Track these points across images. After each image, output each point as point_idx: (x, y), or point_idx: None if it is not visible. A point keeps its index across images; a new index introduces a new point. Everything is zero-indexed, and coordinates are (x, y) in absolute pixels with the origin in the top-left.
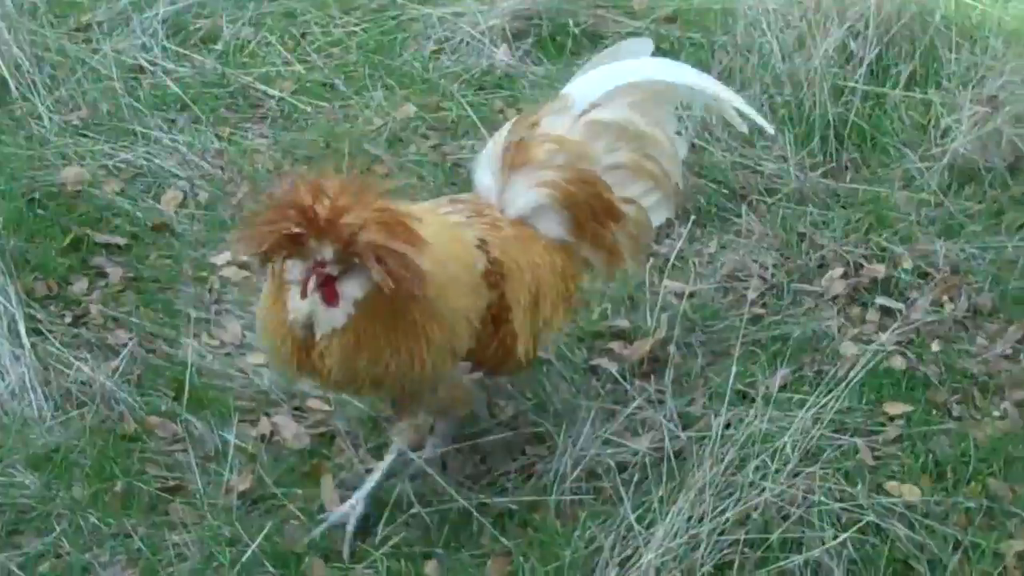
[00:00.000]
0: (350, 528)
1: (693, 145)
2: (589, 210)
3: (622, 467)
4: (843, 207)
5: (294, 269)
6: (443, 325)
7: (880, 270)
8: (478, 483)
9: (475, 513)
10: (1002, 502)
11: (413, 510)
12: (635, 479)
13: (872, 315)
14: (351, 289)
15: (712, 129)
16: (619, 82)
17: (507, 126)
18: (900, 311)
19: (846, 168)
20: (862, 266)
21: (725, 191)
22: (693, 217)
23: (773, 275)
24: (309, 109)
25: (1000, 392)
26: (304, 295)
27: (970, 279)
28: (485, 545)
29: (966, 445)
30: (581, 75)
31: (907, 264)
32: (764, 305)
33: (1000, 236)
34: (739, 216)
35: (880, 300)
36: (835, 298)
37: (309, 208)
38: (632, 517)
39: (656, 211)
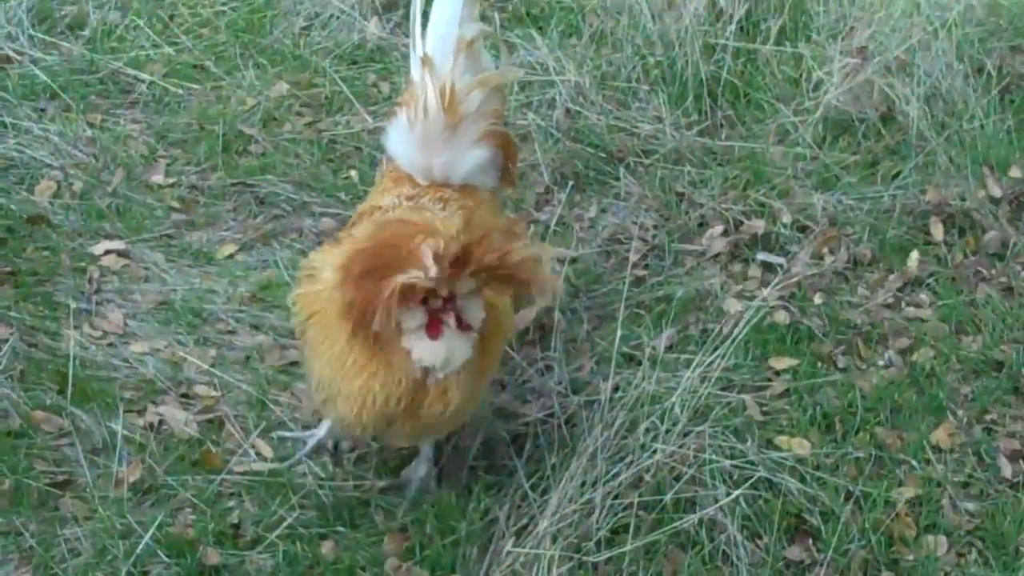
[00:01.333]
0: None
1: (568, 111)
2: (509, 144)
3: (514, 436)
4: (720, 165)
5: (414, 317)
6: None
7: (760, 226)
8: (370, 462)
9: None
10: (890, 450)
11: (307, 490)
12: (527, 447)
13: (754, 271)
14: (475, 314)
15: (586, 94)
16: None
17: (428, 99)
18: (781, 266)
19: (721, 126)
20: (742, 223)
21: (602, 155)
22: (572, 183)
23: (654, 236)
24: (181, 91)
25: (883, 341)
26: (437, 334)
27: (849, 230)
28: (381, 522)
29: (852, 396)
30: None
31: (786, 218)
32: (646, 267)
33: (876, 186)
34: (617, 179)
35: (761, 256)
36: (716, 256)
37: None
38: (526, 485)
39: None
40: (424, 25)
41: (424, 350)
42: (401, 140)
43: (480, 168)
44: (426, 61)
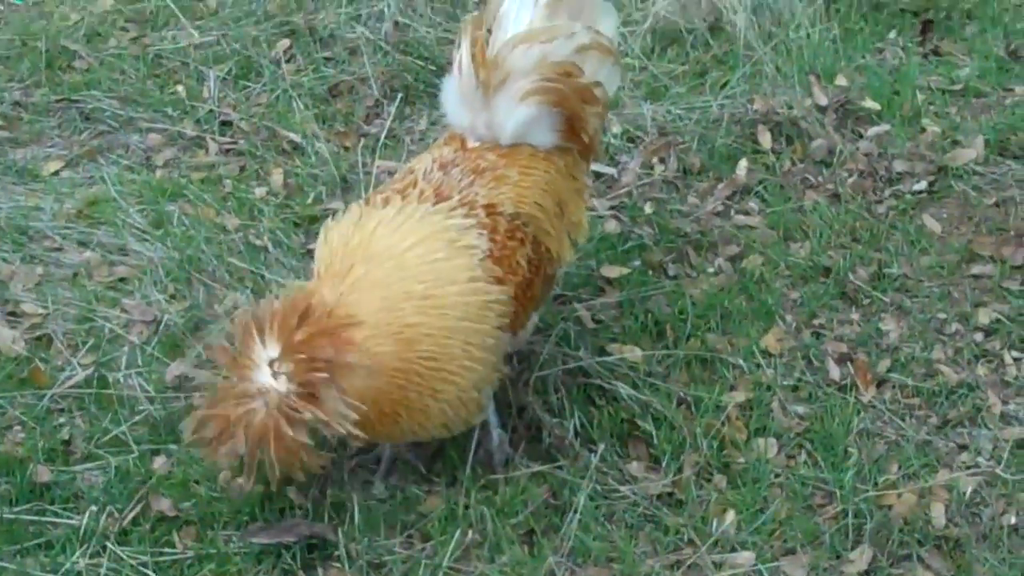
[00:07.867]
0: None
1: (396, 24)
2: (575, 101)
3: None
4: None
5: None
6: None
7: None
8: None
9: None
10: (721, 355)
11: (138, 406)
12: None
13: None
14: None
15: (415, 5)
16: None
17: (463, 55)
18: (612, 176)
19: None
20: None
21: (432, 67)
22: (401, 95)
23: None
24: (2, 8)
25: (713, 249)
26: None
27: (678, 140)
28: None
29: (683, 303)
30: None
31: (616, 129)
32: None
33: (705, 96)
34: None
35: (592, 166)
36: None
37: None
38: None
39: (611, 82)
40: None
41: None
42: (448, 97)
43: (527, 128)
44: (470, 22)
